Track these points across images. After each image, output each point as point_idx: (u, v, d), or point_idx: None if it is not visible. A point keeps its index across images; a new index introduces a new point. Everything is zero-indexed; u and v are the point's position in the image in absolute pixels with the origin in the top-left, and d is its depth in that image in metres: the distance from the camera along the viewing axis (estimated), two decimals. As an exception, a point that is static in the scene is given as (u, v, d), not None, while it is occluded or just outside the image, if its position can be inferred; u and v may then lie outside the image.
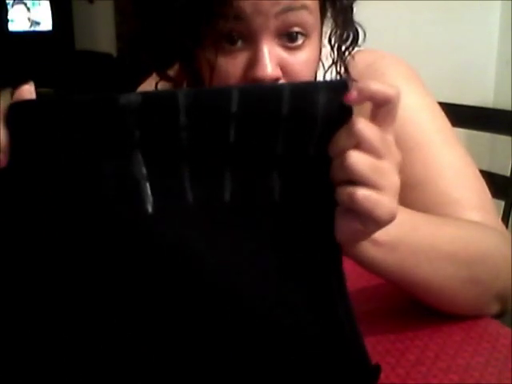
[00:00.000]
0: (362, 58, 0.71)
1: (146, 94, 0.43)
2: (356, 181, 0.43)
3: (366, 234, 0.46)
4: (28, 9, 4.19)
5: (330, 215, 0.45)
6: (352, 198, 0.43)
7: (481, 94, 2.12)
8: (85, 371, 0.45)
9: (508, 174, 1.23)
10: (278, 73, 0.60)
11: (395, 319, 0.62)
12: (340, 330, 0.45)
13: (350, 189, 0.43)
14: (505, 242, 0.62)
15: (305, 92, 0.43)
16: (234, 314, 0.45)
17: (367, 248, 0.49)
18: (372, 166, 0.43)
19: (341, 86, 0.43)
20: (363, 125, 0.43)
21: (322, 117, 0.43)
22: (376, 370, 0.46)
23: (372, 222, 0.44)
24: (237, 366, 0.45)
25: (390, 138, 0.45)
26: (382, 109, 0.44)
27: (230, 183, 0.44)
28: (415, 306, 0.61)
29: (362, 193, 0.43)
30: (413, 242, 0.53)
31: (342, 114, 0.43)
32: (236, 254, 0.45)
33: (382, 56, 0.74)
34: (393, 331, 0.59)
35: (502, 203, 1.20)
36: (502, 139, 1.34)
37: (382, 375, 0.47)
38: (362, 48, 0.70)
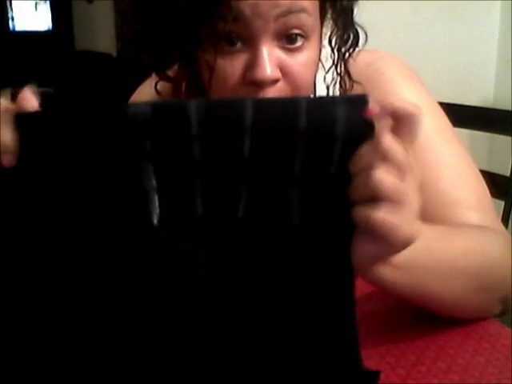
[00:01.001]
0: (361, 58, 0.71)
1: (156, 104, 0.42)
2: (379, 199, 0.41)
3: (382, 258, 0.45)
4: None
5: (347, 237, 0.43)
6: (370, 221, 0.41)
7: (481, 94, 2.11)
8: (85, 372, 0.45)
9: (508, 174, 1.23)
10: (277, 74, 0.60)
11: (395, 319, 0.62)
12: (344, 350, 0.45)
13: (369, 210, 0.41)
14: (507, 245, 0.62)
15: (322, 106, 0.42)
16: (236, 322, 0.45)
17: (382, 271, 0.48)
18: (397, 184, 0.41)
19: (360, 101, 0.41)
20: (392, 141, 0.41)
21: (341, 133, 0.41)
22: (375, 376, 0.46)
23: (388, 246, 0.42)
24: (234, 368, 0.45)
25: (411, 158, 0.43)
26: (404, 127, 0.42)
27: (244, 199, 0.43)
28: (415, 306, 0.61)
29: (380, 215, 0.41)
30: (426, 260, 0.53)
31: (363, 131, 0.41)
32: (242, 270, 0.44)
33: (381, 56, 0.74)
34: (393, 331, 0.59)
35: (502, 203, 1.20)
36: (501, 139, 1.34)
37: (382, 375, 0.47)
38: (361, 48, 0.70)
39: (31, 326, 0.45)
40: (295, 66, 0.61)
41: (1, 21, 4.17)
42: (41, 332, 0.45)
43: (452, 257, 0.56)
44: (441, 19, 2.06)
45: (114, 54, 3.45)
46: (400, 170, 0.41)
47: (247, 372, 0.45)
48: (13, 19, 4.22)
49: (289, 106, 0.42)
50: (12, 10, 4.22)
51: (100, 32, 3.85)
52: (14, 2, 4.19)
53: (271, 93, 0.60)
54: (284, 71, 0.60)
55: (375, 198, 0.41)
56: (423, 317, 0.60)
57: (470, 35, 2.12)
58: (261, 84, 0.59)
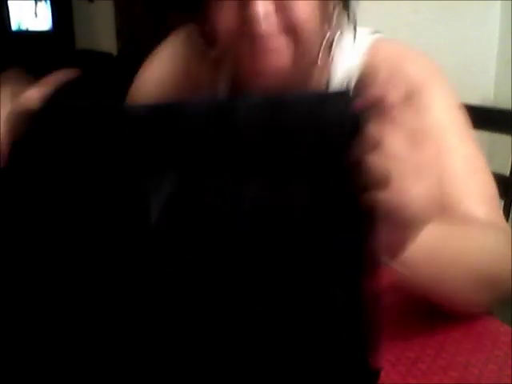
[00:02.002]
0: (382, 48, 0.70)
1: (155, 106, 0.42)
2: (378, 186, 0.42)
3: (400, 242, 0.45)
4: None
5: (358, 230, 0.43)
6: (375, 204, 0.42)
7: (481, 93, 2.12)
8: (82, 372, 0.45)
9: (508, 174, 1.23)
10: (274, 25, 0.60)
11: (395, 318, 0.62)
12: (344, 347, 0.45)
13: (371, 195, 0.42)
14: (507, 242, 0.63)
15: (310, 104, 0.43)
16: (233, 318, 0.45)
17: (397, 268, 0.48)
18: (389, 168, 0.42)
19: (345, 96, 0.42)
20: (378, 130, 0.42)
21: (331, 128, 0.42)
22: (375, 373, 0.46)
23: (401, 226, 0.43)
24: (233, 367, 0.45)
25: (402, 143, 0.43)
26: (388, 114, 0.43)
27: (249, 197, 0.43)
28: (415, 304, 0.61)
29: (382, 196, 0.42)
30: (438, 258, 0.54)
31: (354, 124, 0.42)
32: (245, 268, 0.44)
33: (403, 49, 0.74)
34: (393, 329, 0.59)
35: (502, 203, 1.20)
36: (501, 139, 1.34)
37: (383, 373, 0.47)
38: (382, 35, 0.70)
39: (28, 325, 0.45)
40: (294, 13, 0.61)
41: (1, 21, 4.16)
42: (38, 331, 0.45)
43: (463, 253, 0.57)
44: (441, 19, 2.06)
45: (115, 53, 3.45)
46: (396, 154, 0.42)
47: (246, 370, 0.45)
48: (12, 19, 4.22)
49: (278, 107, 0.42)
50: (11, 9, 4.21)
51: (101, 31, 3.85)
52: (14, 1, 4.19)
53: (274, 49, 0.61)
54: (283, 18, 0.61)
55: (375, 186, 0.42)
56: (423, 315, 0.60)
57: (469, 35, 2.12)
58: (260, 37, 0.60)
